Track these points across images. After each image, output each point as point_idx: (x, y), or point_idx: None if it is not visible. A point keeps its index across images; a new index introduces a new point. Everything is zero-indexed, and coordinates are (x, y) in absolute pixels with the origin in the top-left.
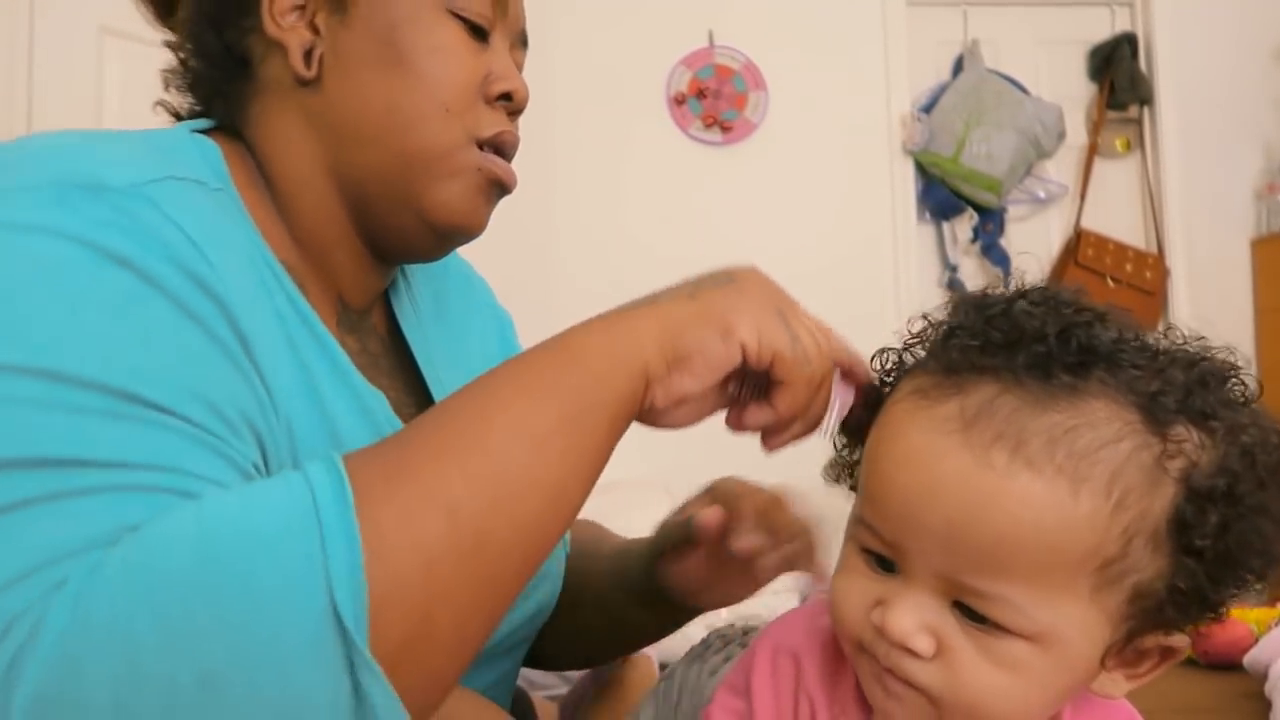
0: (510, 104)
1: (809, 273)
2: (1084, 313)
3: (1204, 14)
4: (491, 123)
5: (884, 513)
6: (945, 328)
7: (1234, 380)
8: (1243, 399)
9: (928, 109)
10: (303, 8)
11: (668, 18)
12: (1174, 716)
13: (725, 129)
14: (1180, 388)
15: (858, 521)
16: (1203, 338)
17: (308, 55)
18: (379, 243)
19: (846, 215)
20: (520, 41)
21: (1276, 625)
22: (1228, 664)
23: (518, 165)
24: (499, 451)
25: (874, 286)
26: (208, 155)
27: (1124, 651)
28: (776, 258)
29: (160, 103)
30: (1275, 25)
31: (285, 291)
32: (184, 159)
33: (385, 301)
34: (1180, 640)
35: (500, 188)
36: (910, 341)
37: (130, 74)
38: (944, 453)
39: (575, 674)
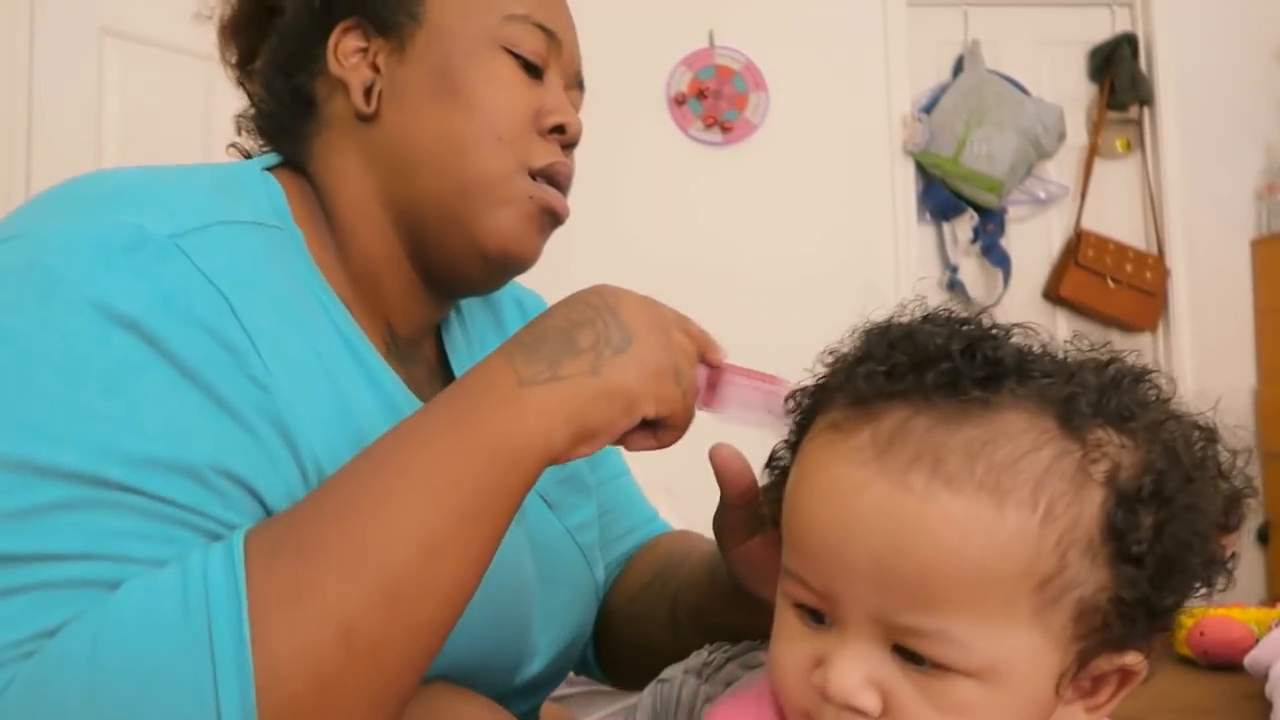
0: (563, 137)
1: (809, 273)
2: (987, 329)
3: (1204, 14)
4: (544, 154)
5: (809, 557)
6: (852, 359)
7: (1148, 381)
8: (1159, 398)
9: (928, 109)
10: (365, 50)
11: (668, 18)
12: (1174, 717)
13: (726, 129)
14: (1094, 391)
15: (786, 575)
16: (1109, 343)
17: (368, 92)
18: (433, 272)
19: (847, 216)
20: (576, 83)
21: (1277, 626)
22: (1228, 665)
23: None
24: (397, 561)
25: (876, 287)
26: (271, 193)
27: (1078, 679)
28: (777, 258)
29: (233, 145)
30: (1276, 25)
31: (334, 322)
32: (245, 198)
33: (438, 335)
34: (1136, 660)
35: (553, 217)
36: (823, 379)
37: (131, 75)
38: (861, 483)
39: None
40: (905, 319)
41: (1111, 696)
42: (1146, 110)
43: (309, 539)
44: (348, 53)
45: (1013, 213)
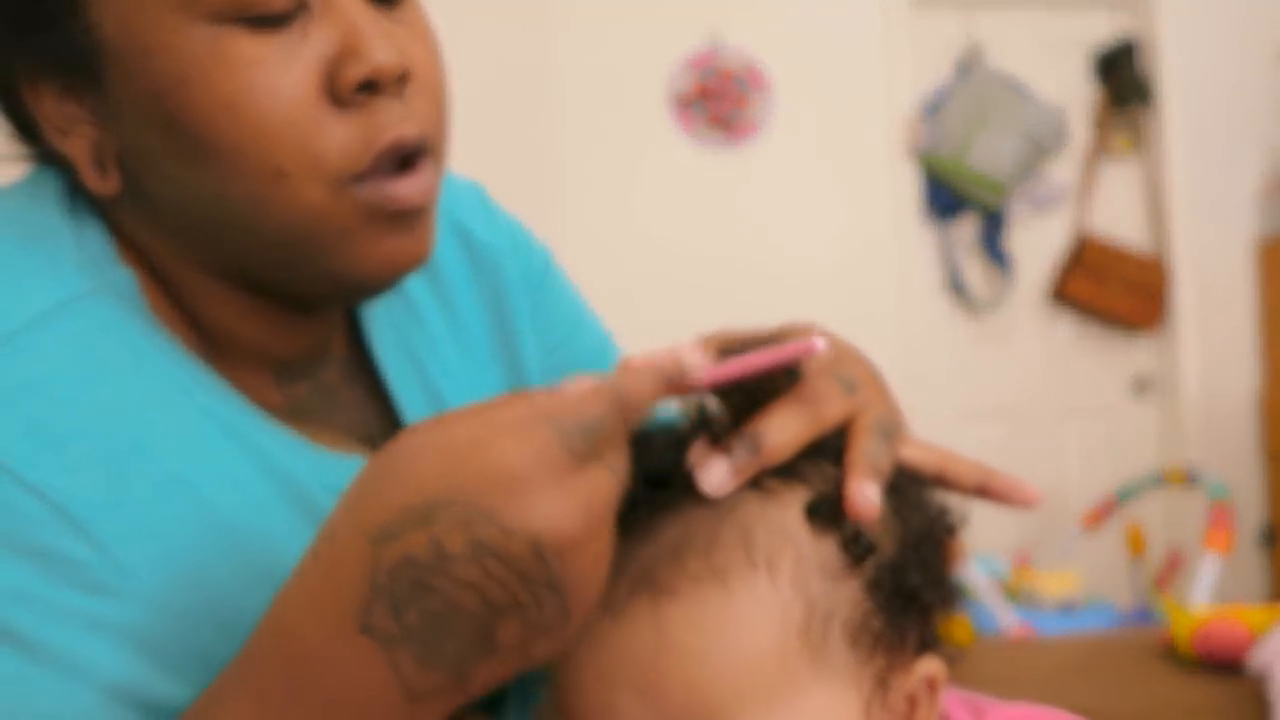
0: (375, 90)
1: (811, 274)
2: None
3: (1206, 16)
4: (361, 142)
5: None
6: None
7: None
8: None
9: (931, 111)
10: (78, 101)
11: (671, 19)
12: (1175, 717)
13: (728, 130)
14: None
15: None
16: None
17: (101, 162)
18: (300, 304)
19: (849, 217)
20: None
21: (1277, 626)
22: (1231, 666)
23: (518, 166)
24: None
25: (876, 288)
26: (84, 236)
27: (890, 704)
28: (779, 259)
29: None
30: (1278, 27)
31: (192, 400)
32: (39, 257)
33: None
34: (933, 666)
35: (411, 211)
36: None
37: None
38: (595, 637)
39: None
40: None
41: (930, 710)
42: (1149, 111)
43: None
44: (56, 112)
45: (1015, 213)
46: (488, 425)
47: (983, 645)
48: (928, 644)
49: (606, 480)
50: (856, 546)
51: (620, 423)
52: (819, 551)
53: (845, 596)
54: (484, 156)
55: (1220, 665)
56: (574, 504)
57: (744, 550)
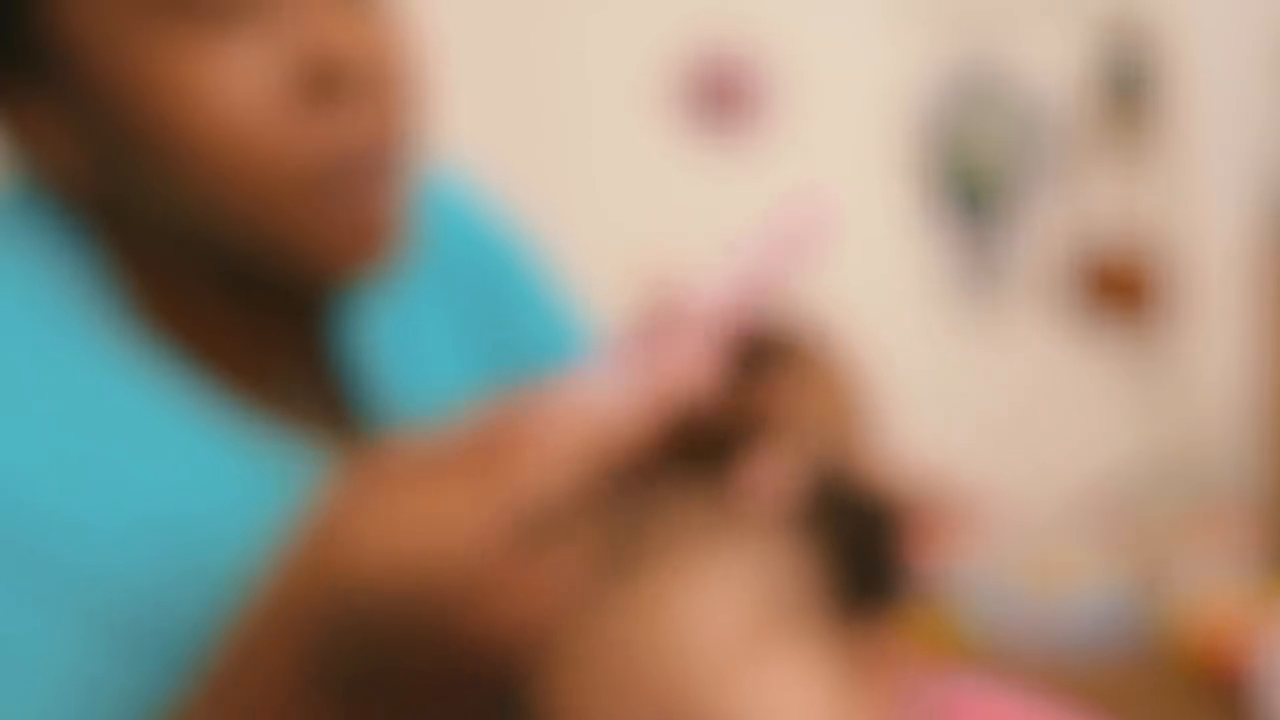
0: (334, 87)
1: (808, 270)
2: None
3: (1209, 13)
4: (317, 142)
5: None
6: None
7: None
8: None
9: (930, 108)
10: (36, 91)
11: (669, 11)
12: None
13: (727, 125)
14: None
15: None
16: None
17: (72, 166)
18: (275, 298)
19: (847, 213)
20: None
21: (1274, 635)
22: (1230, 668)
23: (515, 160)
24: None
25: (875, 285)
26: (64, 242)
27: (856, 677)
28: None
29: None
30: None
31: (165, 409)
32: (9, 277)
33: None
34: (897, 642)
35: (367, 209)
36: None
37: None
38: (565, 634)
39: None
40: None
41: (896, 686)
42: (1149, 108)
43: None
44: (26, 118)
45: (1014, 212)
46: (443, 503)
47: (979, 661)
48: (891, 623)
49: (568, 565)
50: (818, 523)
51: (598, 483)
52: (779, 529)
53: (807, 573)
54: (481, 151)
55: (1217, 670)
56: (524, 603)
57: (705, 531)
